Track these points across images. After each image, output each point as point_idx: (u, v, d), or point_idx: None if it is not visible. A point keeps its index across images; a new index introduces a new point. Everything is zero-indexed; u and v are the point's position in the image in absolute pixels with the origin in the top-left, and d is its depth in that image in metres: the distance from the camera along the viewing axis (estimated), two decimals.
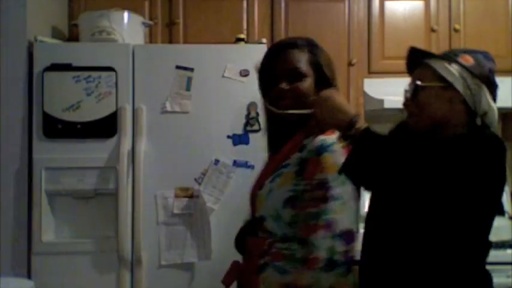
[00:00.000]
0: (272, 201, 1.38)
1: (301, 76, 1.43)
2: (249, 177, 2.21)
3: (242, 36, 2.47)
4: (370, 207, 1.43)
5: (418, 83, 1.38)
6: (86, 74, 2.22)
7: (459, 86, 1.33)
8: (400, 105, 2.82)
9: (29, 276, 2.19)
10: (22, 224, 2.23)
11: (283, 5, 2.76)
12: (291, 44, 1.48)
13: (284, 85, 1.42)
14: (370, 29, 2.77)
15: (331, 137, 1.36)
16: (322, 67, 1.46)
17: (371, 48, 2.77)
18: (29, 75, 2.25)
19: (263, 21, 2.75)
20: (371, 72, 2.75)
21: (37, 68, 2.22)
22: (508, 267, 2.26)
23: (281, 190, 1.37)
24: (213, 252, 2.21)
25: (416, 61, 1.44)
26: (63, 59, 2.22)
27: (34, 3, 2.33)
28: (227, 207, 2.23)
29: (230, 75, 2.25)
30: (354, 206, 1.33)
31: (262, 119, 2.24)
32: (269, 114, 1.51)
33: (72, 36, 2.68)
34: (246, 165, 2.23)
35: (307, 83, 1.43)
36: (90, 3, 2.67)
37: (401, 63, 2.78)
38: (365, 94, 2.68)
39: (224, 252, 2.21)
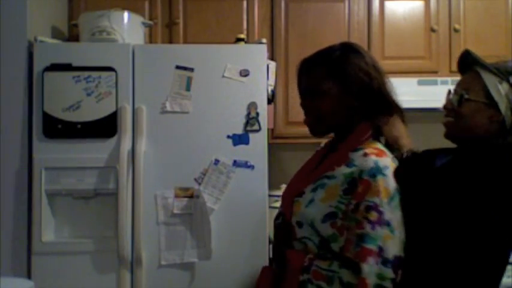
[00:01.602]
0: (312, 211, 1.36)
1: (319, 94, 1.43)
2: (249, 177, 2.22)
3: (242, 36, 2.47)
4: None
5: (464, 93, 1.41)
6: (86, 74, 2.22)
7: (503, 106, 1.36)
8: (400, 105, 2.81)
9: (29, 276, 2.19)
10: (22, 224, 2.23)
11: (283, 5, 2.77)
12: (310, 61, 1.48)
13: (303, 102, 1.48)
14: (370, 29, 2.77)
15: (384, 159, 1.36)
16: (348, 76, 1.42)
17: (371, 48, 2.77)
18: (29, 75, 2.24)
19: (263, 21, 2.75)
20: None
21: (37, 68, 2.22)
22: (508, 267, 2.26)
23: (324, 204, 1.35)
24: (213, 252, 2.21)
25: (468, 64, 1.46)
26: (63, 59, 2.22)
27: (34, 3, 2.33)
28: (227, 207, 2.23)
29: (230, 75, 2.25)
30: (402, 233, 1.30)
31: (262, 119, 2.25)
32: None
33: (72, 36, 2.68)
34: (246, 165, 2.23)
35: (327, 101, 1.43)
36: (90, 3, 2.68)
37: (402, 63, 2.82)
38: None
39: (224, 252, 2.22)
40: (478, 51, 2.84)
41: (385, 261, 1.26)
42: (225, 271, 2.21)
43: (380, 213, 1.28)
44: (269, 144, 2.33)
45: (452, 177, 1.30)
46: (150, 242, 2.21)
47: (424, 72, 2.72)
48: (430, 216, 1.32)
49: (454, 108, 1.42)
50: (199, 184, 2.22)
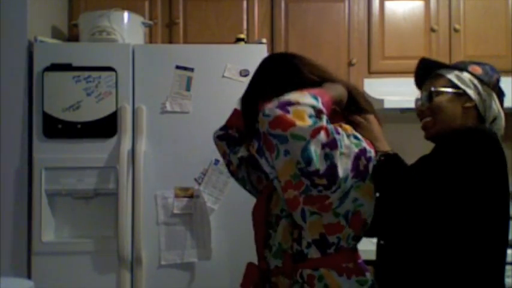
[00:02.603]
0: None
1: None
2: None
3: (242, 36, 2.47)
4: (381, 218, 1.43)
5: (433, 89, 1.46)
6: (86, 74, 2.22)
7: (471, 92, 1.43)
8: (400, 105, 2.83)
9: (29, 276, 2.19)
10: (22, 224, 2.23)
11: (283, 5, 2.76)
12: (253, 95, 1.47)
13: None
14: (370, 29, 2.77)
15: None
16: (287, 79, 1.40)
17: (371, 48, 2.77)
18: (29, 75, 2.25)
19: (263, 21, 2.75)
20: (371, 72, 2.75)
21: (37, 68, 2.22)
22: (508, 267, 2.26)
23: None
24: (213, 252, 2.21)
25: (427, 73, 1.52)
26: (63, 59, 2.22)
27: (34, 3, 2.33)
28: (227, 207, 2.23)
29: (230, 75, 2.25)
30: (348, 163, 1.29)
31: None
32: None
33: (72, 36, 2.68)
34: None
35: None
36: (90, 3, 2.68)
37: (402, 63, 2.82)
38: (365, 94, 2.67)
39: (224, 252, 2.22)
40: (478, 51, 2.86)
41: (323, 149, 1.23)
42: (225, 271, 2.21)
43: (338, 132, 1.29)
44: None
45: (429, 168, 1.32)
46: (150, 242, 2.21)
47: None
48: (414, 212, 1.35)
49: (426, 106, 1.47)
50: (199, 184, 2.22)
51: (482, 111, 1.43)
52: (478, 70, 1.45)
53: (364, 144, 1.34)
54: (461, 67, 1.46)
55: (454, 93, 1.44)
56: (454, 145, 1.31)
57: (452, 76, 1.45)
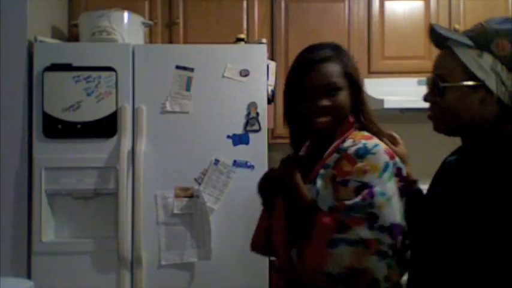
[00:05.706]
0: (322, 203, 1.35)
1: (337, 90, 1.39)
2: (249, 177, 2.22)
3: (242, 36, 2.47)
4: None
5: (439, 82, 1.17)
6: (86, 74, 2.22)
7: (492, 83, 1.10)
8: (400, 105, 2.83)
9: (29, 276, 2.19)
10: (22, 224, 2.23)
11: (283, 5, 2.76)
12: (322, 58, 1.42)
13: (325, 101, 1.38)
14: (370, 29, 2.77)
15: (373, 140, 1.36)
16: (353, 76, 1.43)
17: (371, 48, 2.77)
18: (29, 75, 2.25)
19: (263, 21, 2.75)
20: (371, 72, 2.76)
21: (37, 68, 2.22)
22: None
23: (326, 193, 1.35)
24: (213, 252, 2.21)
25: (440, 42, 1.22)
26: (63, 59, 2.22)
27: (34, 3, 2.33)
28: (227, 207, 2.23)
29: (230, 75, 2.25)
30: (398, 202, 1.30)
31: (262, 119, 2.25)
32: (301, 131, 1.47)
33: (72, 36, 2.68)
34: (246, 165, 2.23)
35: (343, 96, 1.40)
36: (90, 3, 2.68)
37: (402, 63, 2.82)
38: (365, 94, 2.67)
39: (224, 252, 2.22)
40: None
41: (381, 228, 1.26)
42: (225, 271, 2.21)
43: (371, 187, 1.28)
44: (269, 144, 2.33)
45: (460, 179, 1.12)
46: (150, 242, 2.21)
47: (424, 72, 2.67)
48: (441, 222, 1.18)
49: (435, 101, 1.20)
50: (199, 184, 2.22)
51: (508, 102, 1.10)
52: (505, 48, 1.09)
53: (386, 159, 1.32)
54: (482, 44, 1.10)
55: (469, 86, 1.11)
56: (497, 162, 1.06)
57: (468, 59, 1.11)
